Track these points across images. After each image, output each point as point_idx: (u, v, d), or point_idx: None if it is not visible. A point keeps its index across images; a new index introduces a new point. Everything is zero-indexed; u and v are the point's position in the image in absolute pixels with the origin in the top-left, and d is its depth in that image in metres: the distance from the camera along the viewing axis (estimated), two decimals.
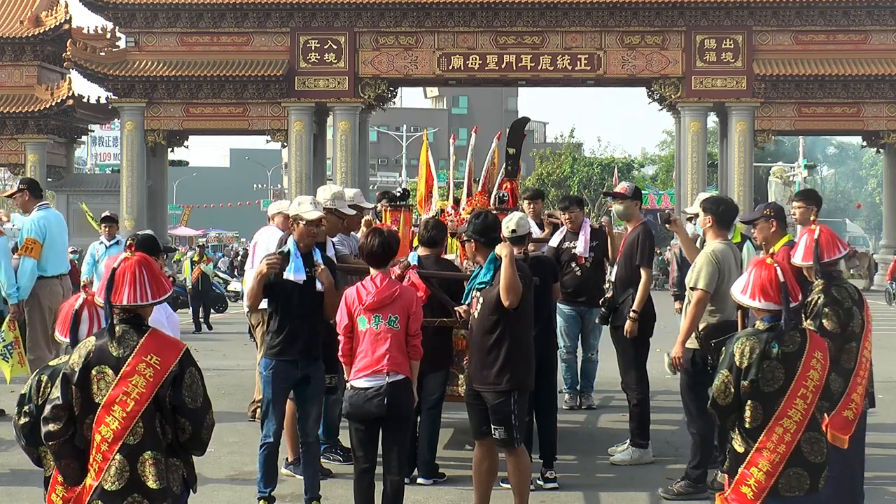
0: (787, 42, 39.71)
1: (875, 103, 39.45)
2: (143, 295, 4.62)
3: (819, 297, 6.18)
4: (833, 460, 5.55)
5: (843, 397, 6.11)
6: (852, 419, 6.16)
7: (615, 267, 9.23)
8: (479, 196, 9.71)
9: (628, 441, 9.02)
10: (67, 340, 4.84)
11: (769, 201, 8.78)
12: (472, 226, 6.88)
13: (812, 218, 7.52)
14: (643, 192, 54.95)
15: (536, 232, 10.59)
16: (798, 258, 6.26)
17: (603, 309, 9.06)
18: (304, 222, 7.19)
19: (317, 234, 7.32)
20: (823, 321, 6.13)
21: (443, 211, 9.70)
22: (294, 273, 7.02)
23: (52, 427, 4.55)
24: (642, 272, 8.71)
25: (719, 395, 5.04)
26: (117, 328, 4.61)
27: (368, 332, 6.44)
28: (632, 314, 8.64)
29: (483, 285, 6.64)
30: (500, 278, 6.51)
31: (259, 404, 8.77)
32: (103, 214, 14.40)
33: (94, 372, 4.57)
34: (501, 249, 6.55)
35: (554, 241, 10.48)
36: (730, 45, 39.78)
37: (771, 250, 7.77)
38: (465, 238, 7.03)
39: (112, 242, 13.89)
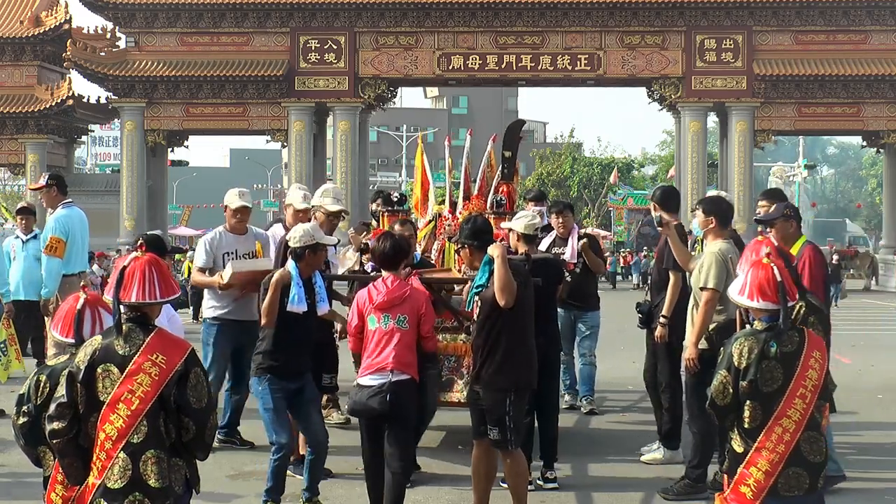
0: (787, 42, 39.74)
1: (875, 103, 39.49)
2: (152, 293, 4.65)
3: (801, 306, 5.95)
4: None
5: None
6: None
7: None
8: (476, 200, 9.67)
9: (658, 442, 8.96)
10: (68, 340, 4.85)
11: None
12: (463, 232, 6.91)
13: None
14: (643, 192, 54.45)
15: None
16: None
17: (639, 314, 8.96)
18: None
19: (321, 261, 7.29)
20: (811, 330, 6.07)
21: (440, 216, 9.68)
22: (297, 304, 6.97)
23: (56, 425, 4.56)
24: (671, 275, 8.54)
25: (718, 395, 5.04)
26: (124, 327, 4.62)
27: (377, 330, 6.55)
28: (661, 319, 8.54)
29: (480, 288, 6.64)
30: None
31: None
32: (19, 205, 13.26)
33: (99, 370, 4.58)
34: (493, 250, 6.55)
35: (542, 247, 10.33)
36: (730, 45, 39.82)
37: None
38: (458, 246, 7.01)
39: (29, 236, 12.76)
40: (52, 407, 4.59)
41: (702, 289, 7.58)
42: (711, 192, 9.33)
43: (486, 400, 6.61)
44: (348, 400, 6.86)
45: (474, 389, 6.78)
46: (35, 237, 12.94)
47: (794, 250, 7.74)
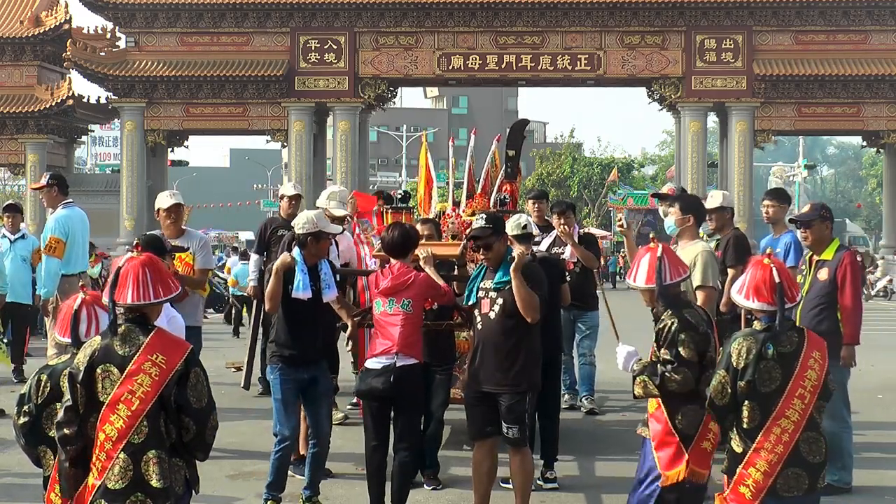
0: (787, 42, 39.73)
1: (875, 103, 39.47)
2: (146, 294, 4.64)
3: (672, 323, 5.51)
4: (692, 492, 5.51)
5: (700, 428, 5.56)
6: (710, 450, 5.63)
7: None
8: (480, 198, 9.68)
9: None
10: (65, 340, 4.85)
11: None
12: (484, 226, 6.80)
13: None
14: (643, 192, 54.30)
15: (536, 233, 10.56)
16: (640, 281, 5.64)
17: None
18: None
19: (325, 249, 7.31)
20: (679, 349, 5.45)
21: (443, 213, 9.69)
22: (302, 291, 7.02)
23: (67, 431, 4.55)
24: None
25: (716, 395, 5.05)
26: (123, 327, 4.63)
27: (383, 314, 6.82)
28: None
29: (500, 285, 6.63)
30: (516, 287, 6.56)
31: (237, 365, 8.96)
32: (5, 203, 13.04)
33: (99, 370, 4.58)
34: (512, 267, 6.58)
35: (543, 247, 10.30)
36: (730, 45, 39.80)
37: (822, 255, 7.71)
38: (474, 244, 6.95)
39: (17, 236, 12.84)
40: (61, 413, 4.58)
41: (699, 288, 7.56)
42: (714, 192, 9.34)
43: (505, 400, 6.62)
44: (355, 383, 7.12)
45: (480, 391, 6.73)
46: (23, 237, 12.82)
47: (827, 254, 7.72)
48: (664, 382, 5.43)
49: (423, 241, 7.92)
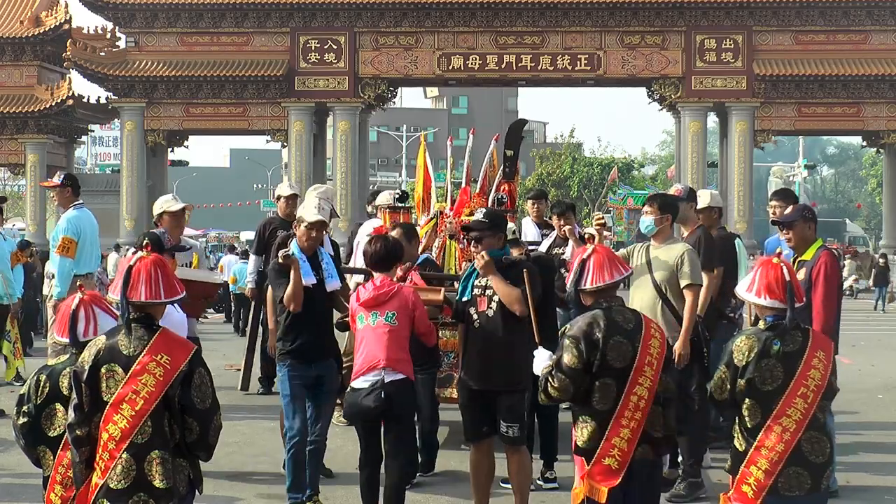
0: (787, 42, 39.74)
1: (875, 103, 39.47)
2: (157, 293, 4.66)
3: (566, 328, 5.31)
4: None
5: (602, 443, 5.13)
6: (616, 468, 5.10)
7: None
8: (478, 197, 9.69)
9: None
10: (64, 340, 4.85)
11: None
12: (484, 220, 6.81)
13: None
14: (643, 192, 54.34)
15: (534, 234, 10.56)
16: (570, 282, 5.44)
17: None
18: (304, 224, 7.24)
19: (320, 236, 7.32)
20: (563, 355, 5.16)
21: (441, 213, 9.69)
22: (305, 278, 7.03)
23: (78, 432, 4.55)
24: (704, 276, 8.26)
25: (716, 389, 5.09)
26: (131, 326, 4.62)
27: (366, 328, 6.51)
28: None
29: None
30: (522, 282, 6.57)
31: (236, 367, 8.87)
32: None
33: (103, 370, 4.58)
34: (480, 268, 6.60)
35: (543, 247, 10.28)
36: (730, 45, 39.81)
37: (803, 256, 7.69)
38: (473, 236, 6.90)
39: None
40: (71, 414, 4.58)
41: (687, 286, 7.57)
42: (702, 192, 9.36)
43: (506, 400, 6.62)
44: (343, 405, 6.83)
45: (477, 390, 6.70)
46: (2, 238, 12.76)
47: (808, 254, 7.70)
48: (546, 387, 5.21)
49: None
